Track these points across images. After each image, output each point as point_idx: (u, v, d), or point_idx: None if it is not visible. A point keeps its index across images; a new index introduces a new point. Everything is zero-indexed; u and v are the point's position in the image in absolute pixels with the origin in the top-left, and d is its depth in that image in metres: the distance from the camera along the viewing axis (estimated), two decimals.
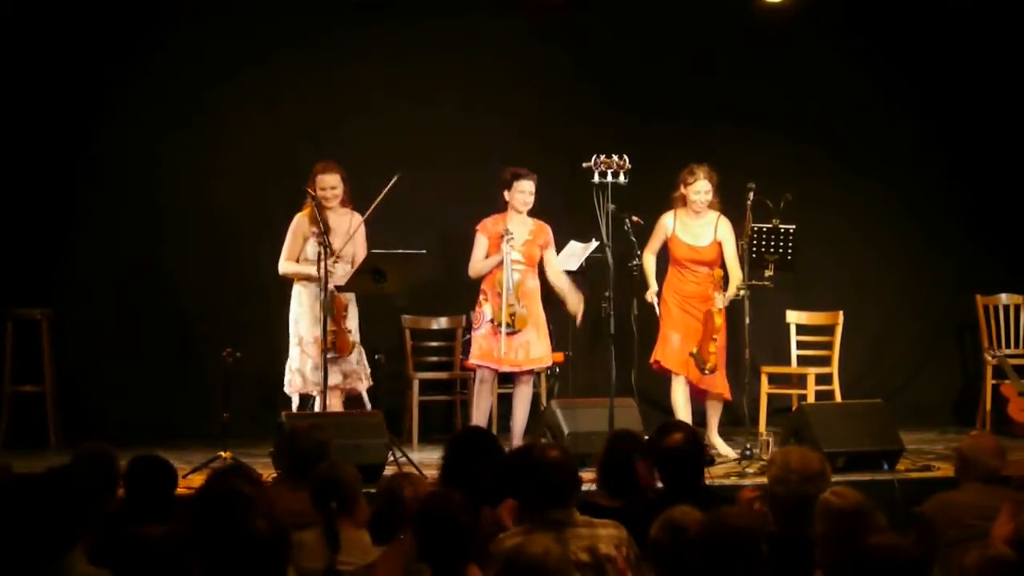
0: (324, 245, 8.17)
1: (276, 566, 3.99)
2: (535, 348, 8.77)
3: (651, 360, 8.90)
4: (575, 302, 8.91)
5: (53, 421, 9.58)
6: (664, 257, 9.03)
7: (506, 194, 8.79)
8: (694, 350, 8.68)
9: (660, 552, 4.01)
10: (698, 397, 8.88)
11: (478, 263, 8.81)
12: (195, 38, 9.92)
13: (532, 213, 8.90)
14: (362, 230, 8.55)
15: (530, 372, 8.86)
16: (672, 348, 8.79)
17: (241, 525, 3.99)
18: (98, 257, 9.92)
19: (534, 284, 8.82)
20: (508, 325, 8.60)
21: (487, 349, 8.71)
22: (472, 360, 8.85)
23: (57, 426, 9.59)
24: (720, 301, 8.62)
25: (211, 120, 10.00)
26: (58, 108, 9.76)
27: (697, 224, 8.84)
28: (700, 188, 8.78)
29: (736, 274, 8.73)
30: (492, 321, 8.65)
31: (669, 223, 8.88)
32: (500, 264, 8.66)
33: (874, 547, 3.81)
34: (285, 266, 8.59)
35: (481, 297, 8.80)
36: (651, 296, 8.87)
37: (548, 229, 8.91)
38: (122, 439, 7.42)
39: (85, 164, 9.91)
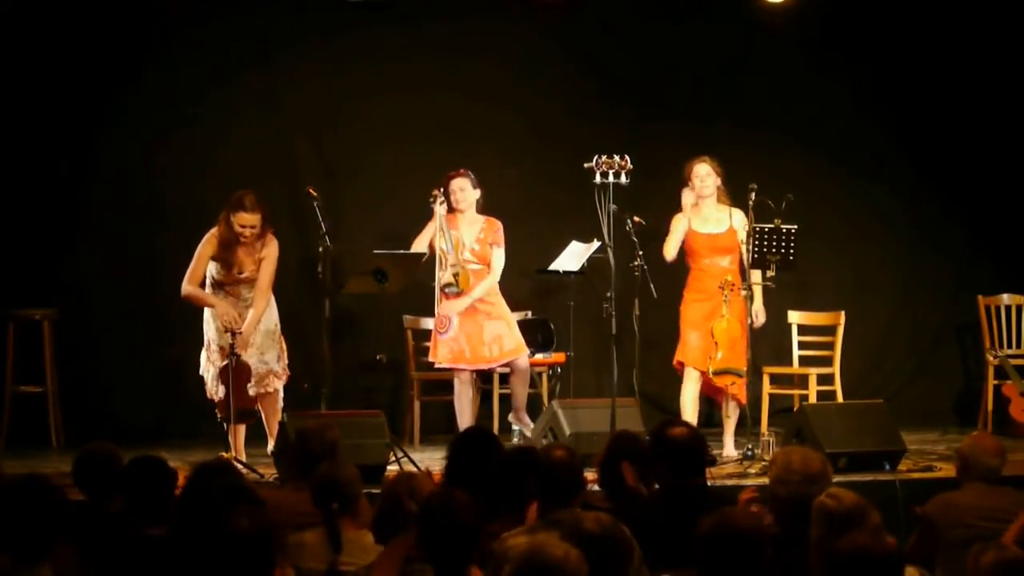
0: (325, 245, 8.16)
1: (260, 565, 3.98)
2: (507, 340, 8.78)
3: (674, 362, 8.88)
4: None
5: (55, 422, 9.58)
6: (683, 263, 8.95)
7: (451, 197, 8.79)
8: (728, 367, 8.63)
9: None
10: (715, 396, 8.86)
11: (420, 241, 8.74)
12: (197, 40, 9.93)
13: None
14: (273, 255, 8.43)
15: (512, 361, 8.85)
16: (692, 346, 8.74)
17: (223, 523, 3.98)
18: (99, 258, 9.93)
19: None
20: (451, 285, 8.59)
21: (458, 352, 8.74)
22: (443, 363, 8.81)
23: (59, 427, 9.60)
24: (724, 308, 8.62)
25: (212, 121, 10.00)
26: (60, 109, 9.76)
27: (710, 212, 8.74)
28: (701, 171, 8.73)
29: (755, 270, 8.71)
30: (440, 286, 8.60)
31: (684, 221, 8.84)
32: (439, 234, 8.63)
33: (845, 547, 3.82)
34: (189, 289, 8.41)
35: (439, 297, 8.82)
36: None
37: (498, 226, 8.85)
38: (123, 439, 7.38)
39: (87, 165, 9.91)
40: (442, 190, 8.67)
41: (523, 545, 3.73)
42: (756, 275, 8.62)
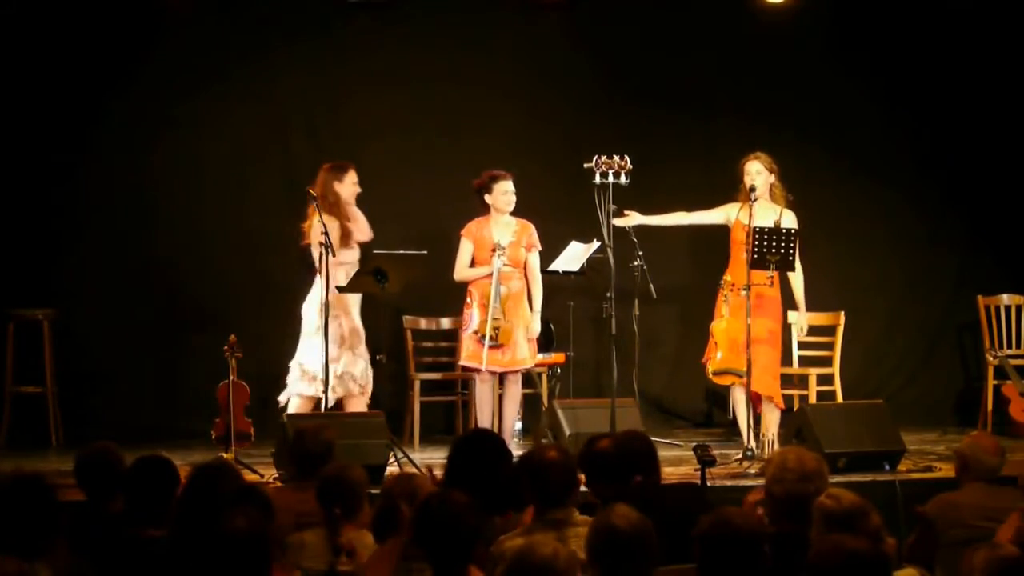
0: (325, 246, 8.17)
1: (257, 565, 3.98)
2: (520, 350, 8.82)
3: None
4: (535, 327, 8.97)
5: (54, 421, 9.59)
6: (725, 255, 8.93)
7: (487, 197, 8.81)
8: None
9: (596, 552, 4.00)
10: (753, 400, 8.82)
11: (464, 270, 8.88)
12: (192, 39, 9.93)
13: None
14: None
15: (517, 372, 8.88)
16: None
17: (220, 524, 3.99)
18: (99, 257, 9.93)
19: (520, 285, 8.88)
20: (491, 339, 8.64)
21: (473, 351, 8.79)
22: (462, 361, 8.94)
23: (58, 426, 9.60)
24: (724, 309, 8.61)
25: (210, 120, 10.00)
26: (56, 109, 9.76)
27: (759, 208, 8.56)
28: (752, 168, 8.66)
29: (797, 275, 8.69)
30: (476, 332, 8.70)
31: (733, 212, 8.75)
32: (488, 275, 8.71)
33: (827, 547, 3.83)
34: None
35: (468, 299, 8.90)
36: (627, 219, 8.69)
37: (532, 229, 8.93)
38: (123, 439, 7.38)
39: (86, 165, 9.90)
40: (504, 247, 8.67)
41: (516, 546, 3.78)
42: (796, 280, 8.70)
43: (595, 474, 5.29)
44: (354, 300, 8.57)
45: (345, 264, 8.42)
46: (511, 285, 8.80)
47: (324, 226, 8.20)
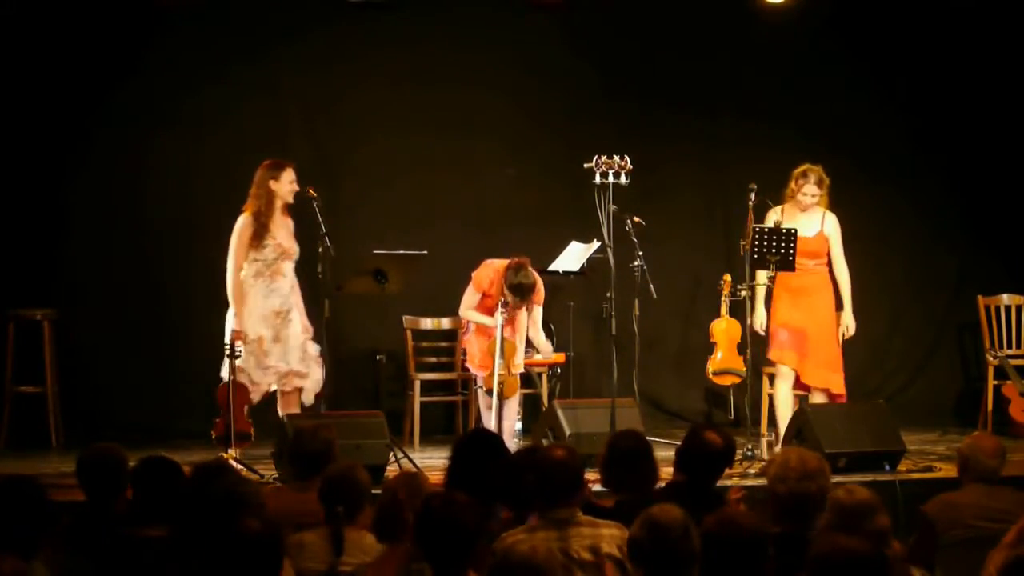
0: (325, 246, 8.15)
1: (269, 565, 3.99)
2: (517, 355, 8.79)
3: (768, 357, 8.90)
4: (547, 351, 9.02)
5: (54, 422, 9.58)
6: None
7: (503, 279, 8.60)
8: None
9: (642, 551, 4.01)
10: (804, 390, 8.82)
11: (470, 312, 8.77)
12: (191, 37, 9.93)
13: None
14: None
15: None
16: (780, 341, 8.67)
17: (234, 524, 3.99)
18: (98, 257, 9.93)
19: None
20: (496, 395, 8.62)
21: (471, 354, 8.83)
22: (467, 364, 8.98)
23: (58, 427, 9.60)
24: (724, 310, 8.62)
25: (209, 119, 9.99)
26: (56, 108, 9.75)
27: (803, 216, 8.63)
28: (809, 191, 8.65)
29: (843, 275, 8.73)
30: (482, 388, 8.68)
31: (775, 219, 8.69)
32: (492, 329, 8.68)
33: (824, 547, 3.84)
34: (232, 283, 8.38)
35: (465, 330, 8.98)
36: (758, 325, 8.64)
37: (540, 285, 8.72)
38: (124, 440, 7.38)
39: (84, 164, 9.90)
40: (508, 303, 8.51)
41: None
42: (843, 279, 8.71)
43: (700, 468, 5.25)
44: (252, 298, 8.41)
45: (256, 262, 8.31)
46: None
47: (323, 226, 8.18)
